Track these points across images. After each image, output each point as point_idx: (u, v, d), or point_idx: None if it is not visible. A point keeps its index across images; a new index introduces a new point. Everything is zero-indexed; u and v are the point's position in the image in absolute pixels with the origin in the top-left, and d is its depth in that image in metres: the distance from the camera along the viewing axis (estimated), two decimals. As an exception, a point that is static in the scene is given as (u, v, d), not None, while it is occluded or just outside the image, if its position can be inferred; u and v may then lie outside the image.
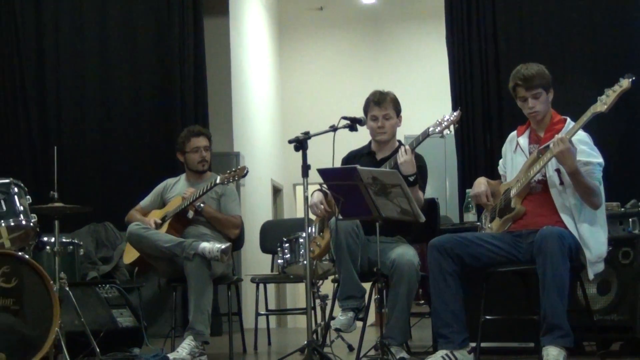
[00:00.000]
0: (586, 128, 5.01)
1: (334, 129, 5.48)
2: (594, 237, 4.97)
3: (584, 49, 8.42)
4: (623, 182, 6.67)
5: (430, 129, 5.47)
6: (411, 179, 5.47)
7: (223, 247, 6.17)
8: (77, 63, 9.49)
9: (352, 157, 5.98)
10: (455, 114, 5.51)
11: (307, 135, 5.40)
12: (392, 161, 5.65)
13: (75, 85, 9.47)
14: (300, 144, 5.36)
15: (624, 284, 5.74)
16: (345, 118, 5.55)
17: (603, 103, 4.78)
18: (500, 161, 5.53)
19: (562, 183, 5.04)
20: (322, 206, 5.75)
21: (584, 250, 4.95)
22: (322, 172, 5.27)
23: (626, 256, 5.75)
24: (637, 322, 5.65)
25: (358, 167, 5.22)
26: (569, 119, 5.13)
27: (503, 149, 5.52)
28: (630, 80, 4.76)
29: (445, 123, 5.45)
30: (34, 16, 9.48)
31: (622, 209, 6.05)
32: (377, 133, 5.87)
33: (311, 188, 5.38)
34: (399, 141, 5.94)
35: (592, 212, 5.01)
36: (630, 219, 5.88)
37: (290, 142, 5.41)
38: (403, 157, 5.46)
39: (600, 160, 5.04)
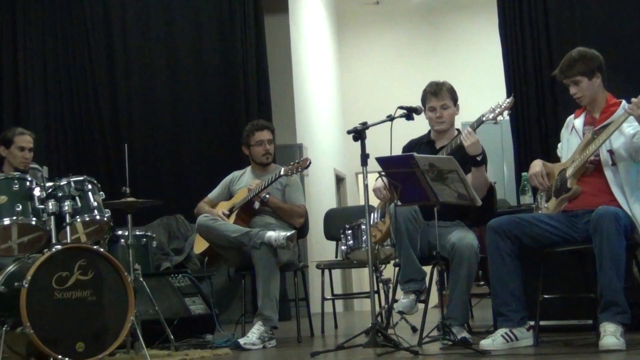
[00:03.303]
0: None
1: (391, 118, 5.56)
2: (647, 217, 4.98)
3: (635, 31, 8.41)
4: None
5: (484, 116, 5.53)
6: (479, 158, 5.53)
7: (288, 234, 6.29)
8: (146, 63, 9.72)
9: (413, 145, 6.01)
10: (508, 100, 5.55)
11: (365, 126, 5.47)
12: (449, 147, 5.70)
13: (144, 85, 9.70)
14: (359, 134, 5.44)
15: (680, 260, 5.78)
16: (401, 107, 5.60)
17: None
18: (559, 145, 5.56)
19: (614, 164, 5.08)
20: (384, 191, 5.82)
21: (638, 229, 4.97)
22: (381, 161, 5.35)
23: (681, 233, 5.79)
24: (693, 297, 5.65)
25: (415, 154, 5.29)
26: (624, 102, 5.13)
27: (561, 132, 5.55)
28: None
29: (499, 110, 5.49)
30: (102, 17, 9.75)
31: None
32: (436, 123, 5.90)
33: (371, 176, 5.40)
34: (457, 129, 5.96)
35: (645, 191, 5.04)
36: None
37: (349, 132, 5.50)
38: (469, 139, 5.48)
39: None
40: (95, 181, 5.93)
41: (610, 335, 4.75)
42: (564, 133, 5.50)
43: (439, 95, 5.88)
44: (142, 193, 6.44)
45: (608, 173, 5.12)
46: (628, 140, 5.04)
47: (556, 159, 5.58)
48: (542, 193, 5.48)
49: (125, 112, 9.68)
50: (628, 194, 5.04)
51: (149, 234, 7.36)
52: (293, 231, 6.41)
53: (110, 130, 9.62)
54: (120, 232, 6.91)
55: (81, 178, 5.79)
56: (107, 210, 5.89)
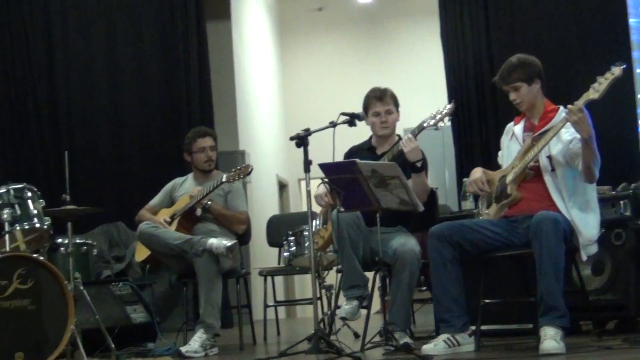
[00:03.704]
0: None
1: (333, 125, 5.55)
2: (585, 221, 5.07)
3: (574, 38, 8.53)
4: (614, 167, 6.81)
5: (425, 122, 5.57)
6: (418, 164, 5.58)
7: (229, 244, 6.26)
8: (86, 69, 9.63)
9: (354, 152, 6.04)
10: (448, 106, 5.60)
11: (307, 132, 5.47)
12: (391, 153, 5.75)
13: (84, 90, 9.60)
14: (301, 140, 5.44)
15: (617, 264, 5.85)
16: (344, 114, 5.60)
17: (596, 90, 4.83)
18: (500, 153, 5.62)
19: (553, 169, 5.14)
20: (326, 198, 5.85)
21: (577, 234, 5.05)
22: (323, 167, 5.36)
23: (618, 237, 5.87)
24: (631, 301, 5.77)
25: (357, 160, 5.31)
26: (562, 107, 5.19)
27: (501, 140, 5.61)
28: (622, 67, 4.83)
29: (440, 116, 5.55)
30: (43, 22, 9.63)
31: (614, 192, 6.10)
32: (380, 128, 5.94)
33: (313, 183, 5.41)
34: (398, 135, 6.02)
35: (583, 197, 5.11)
36: (621, 202, 5.92)
37: (291, 139, 5.51)
38: (409, 145, 5.54)
39: None
40: (35, 189, 5.89)
41: (551, 339, 4.80)
42: (504, 140, 5.56)
43: (384, 100, 5.94)
44: (82, 200, 6.36)
45: (547, 179, 5.18)
46: (565, 146, 5.10)
47: (497, 165, 5.63)
48: (483, 199, 5.52)
49: (65, 119, 9.57)
50: (566, 199, 5.10)
51: (90, 242, 7.31)
52: (234, 241, 6.37)
53: (50, 137, 9.52)
54: (60, 240, 6.84)
55: (21, 186, 5.79)
56: (47, 218, 5.88)
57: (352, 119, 5.65)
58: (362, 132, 6.15)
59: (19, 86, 9.62)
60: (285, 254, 6.87)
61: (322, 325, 5.79)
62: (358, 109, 5.90)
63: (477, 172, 5.44)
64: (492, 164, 5.85)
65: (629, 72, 5.25)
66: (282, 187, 14.47)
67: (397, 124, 6.06)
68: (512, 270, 5.58)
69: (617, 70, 4.84)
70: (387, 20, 15.06)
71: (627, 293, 5.81)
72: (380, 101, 5.93)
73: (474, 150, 8.76)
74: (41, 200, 5.91)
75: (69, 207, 5.91)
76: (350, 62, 15.03)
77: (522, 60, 5.32)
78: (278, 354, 5.47)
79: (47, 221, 5.85)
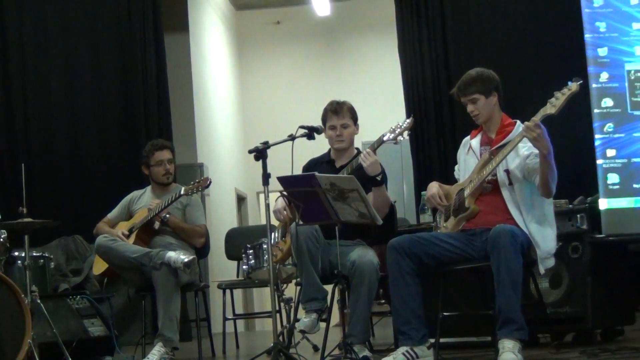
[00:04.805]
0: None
1: (292, 138, 5.58)
2: (542, 235, 5.11)
3: (530, 54, 8.60)
4: (570, 180, 6.87)
5: (385, 137, 5.55)
6: (378, 178, 5.58)
7: (186, 260, 6.24)
8: (44, 81, 9.51)
9: (313, 165, 6.06)
10: (407, 121, 5.57)
11: (266, 145, 5.47)
12: (350, 167, 5.74)
13: (41, 102, 9.48)
14: (260, 153, 5.44)
15: (575, 277, 5.92)
16: (302, 127, 5.64)
17: (553, 105, 4.86)
18: (456, 167, 5.64)
19: (511, 183, 5.17)
20: (285, 212, 5.87)
21: (534, 247, 5.09)
22: (282, 180, 5.36)
23: (575, 250, 5.96)
24: (588, 313, 5.83)
25: (316, 173, 5.30)
26: (518, 122, 5.23)
27: (458, 153, 5.63)
28: (579, 83, 4.85)
29: (399, 130, 5.52)
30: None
31: (570, 206, 6.18)
32: (336, 142, 5.96)
33: (272, 196, 5.41)
34: (357, 148, 6.05)
35: (540, 210, 5.15)
36: (578, 215, 6.01)
37: (250, 152, 5.50)
38: (368, 159, 5.52)
39: None
40: (-9, 202, 5.84)
41: (509, 351, 4.81)
42: (461, 154, 5.58)
43: (340, 114, 5.94)
44: (39, 213, 6.32)
45: (505, 192, 5.21)
46: (522, 161, 5.14)
47: (454, 179, 5.65)
48: (441, 212, 5.53)
49: (22, 132, 9.46)
50: (524, 213, 5.13)
51: (47, 255, 7.23)
52: (192, 257, 6.35)
53: (6, 150, 9.40)
54: (17, 253, 6.76)
55: (-24, 198, 5.70)
56: (3, 230, 5.86)
57: (310, 132, 5.69)
58: (320, 145, 6.17)
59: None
60: (244, 267, 6.81)
61: (281, 338, 5.79)
62: (316, 121, 5.93)
63: (434, 187, 5.47)
64: (450, 177, 5.87)
65: (584, 87, 5.29)
66: (241, 200, 14.45)
67: (355, 137, 6.07)
68: (471, 283, 5.58)
69: (574, 86, 4.86)
70: (345, 33, 15.11)
71: (585, 305, 5.88)
72: (336, 115, 5.95)
73: (432, 164, 8.80)
74: (-3, 213, 5.87)
75: (25, 219, 5.89)
76: (308, 75, 15.05)
77: (481, 73, 5.36)
78: (237, 367, 5.48)
79: (4, 234, 5.82)
